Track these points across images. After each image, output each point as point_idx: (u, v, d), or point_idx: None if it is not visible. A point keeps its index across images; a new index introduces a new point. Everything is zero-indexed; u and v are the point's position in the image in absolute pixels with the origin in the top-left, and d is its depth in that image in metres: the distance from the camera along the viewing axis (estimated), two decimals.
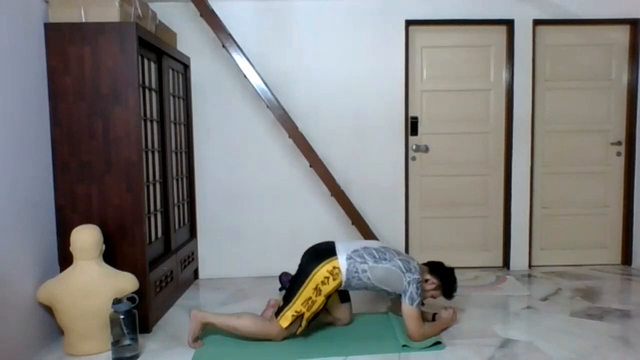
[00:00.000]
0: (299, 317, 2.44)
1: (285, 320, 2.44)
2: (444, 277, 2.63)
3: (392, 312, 2.89)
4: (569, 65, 3.87)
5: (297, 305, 2.43)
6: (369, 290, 2.62)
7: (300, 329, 2.48)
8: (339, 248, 2.51)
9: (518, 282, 3.56)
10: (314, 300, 2.43)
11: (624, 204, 3.96)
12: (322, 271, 2.43)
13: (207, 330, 2.69)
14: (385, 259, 2.49)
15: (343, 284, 2.46)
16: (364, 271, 2.45)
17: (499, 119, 3.88)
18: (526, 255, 3.89)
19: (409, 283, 2.46)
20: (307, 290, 2.43)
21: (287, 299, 2.47)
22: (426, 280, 2.61)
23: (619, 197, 3.97)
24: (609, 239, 4.00)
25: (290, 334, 2.51)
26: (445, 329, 2.64)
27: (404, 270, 2.48)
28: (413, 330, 2.45)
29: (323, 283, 2.43)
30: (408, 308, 2.45)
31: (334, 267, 2.44)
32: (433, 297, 2.66)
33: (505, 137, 3.87)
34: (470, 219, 3.94)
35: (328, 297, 2.49)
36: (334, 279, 2.43)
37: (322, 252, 2.51)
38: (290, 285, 2.52)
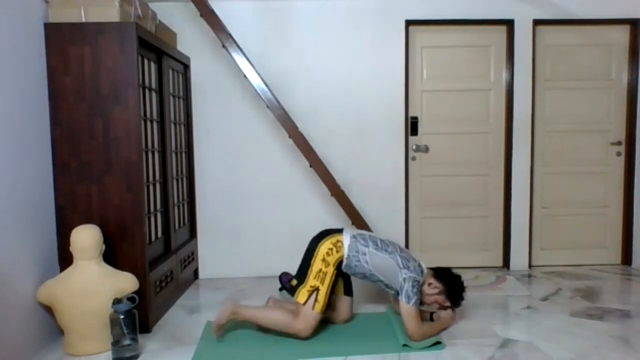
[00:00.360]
0: (314, 291, 2.46)
1: (302, 296, 2.48)
2: (448, 282, 2.62)
3: (392, 309, 2.89)
4: (569, 65, 3.87)
5: (311, 280, 2.49)
6: (368, 280, 2.64)
7: (318, 305, 2.46)
8: (346, 229, 2.64)
9: (518, 282, 3.56)
10: (325, 272, 2.49)
11: (624, 204, 3.96)
12: (326, 244, 2.55)
13: (207, 330, 2.70)
14: (387, 251, 2.56)
15: (345, 259, 2.53)
16: (364, 254, 2.53)
17: (499, 119, 3.88)
18: (526, 255, 3.89)
19: (404, 280, 2.48)
20: (316, 264, 2.51)
21: (301, 277, 2.52)
22: (429, 284, 2.61)
23: (619, 197, 3.97)
24: (609, 239, 4.00)
25: (314, 329, 2.50)
26: (444, 329, 2.64)
27: (401, 266, 2.51)
28: (412, 330, 2.46)
29: (328, 254, 2.52)
30: (405, 307, 2.47)
31: (338, 240, 2.56)
32: (437, 302, 2.64)
33: (505, 137, 3.87)
34: (470, 219, 3.94)
35: (337, 268, 2.53)
36: (337, 251, 2.53)
37: (329, 232, 2.63)
38: (301, 265, 2.58)
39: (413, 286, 2.48)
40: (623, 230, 3.98)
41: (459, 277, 2.67)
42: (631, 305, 3.06)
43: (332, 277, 2.51)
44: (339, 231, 2.62)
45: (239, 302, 2.65)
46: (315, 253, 2.53)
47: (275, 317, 2.50)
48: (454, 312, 2.68)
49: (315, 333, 2.56)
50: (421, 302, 2.61)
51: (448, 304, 2.64)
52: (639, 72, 3.81)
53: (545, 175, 3.94)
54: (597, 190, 3.97)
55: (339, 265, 2.55)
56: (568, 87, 3.89)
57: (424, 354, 2.38)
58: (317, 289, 2.47)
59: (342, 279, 2.72)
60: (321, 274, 2.49)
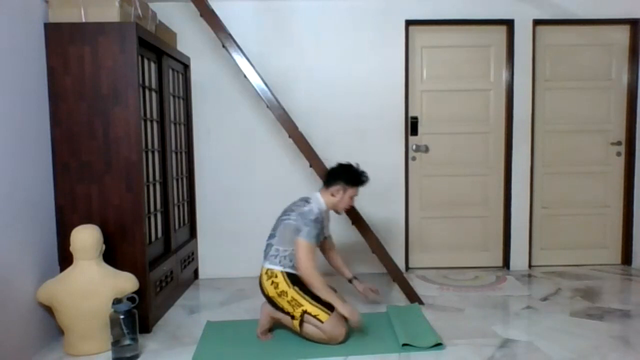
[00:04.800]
0: (303, 315, 2.44)
1: (296, 325, 2.46)
2: (340, 176, 2.64)
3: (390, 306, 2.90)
4: (569, 65, 3.87)
5: (295, 313, 2.46)
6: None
7: (321, 317, 2.42)
8: (262, 262, 2.61)
9: (518, 282, 3.56)
10: (292, 297, 2.46)
11: (624, 204, 3.96)
12: (266, 284, 2.53)
13: (207, 330, 2.70)
14: (277, 227, 2.59)
15: (284, 270, 2.51)
16: (277, 250, 2.54)
17: (499, 119, 3.88)
18: (526, 255, 3.89)
19: (295, 220, 2.51)
20: (282, 303, 2.49)
21: (290, 316, 2.50)
22: (332, 194, 2.63)
23: (619, 197, 3.97)
24: (609, 239, 4.00)
25: (344, 328, 2.47)
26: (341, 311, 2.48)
27: (287, 217, 2.55)
28: (299, 256, 2.45)
29: (276, 287, 2.49)
30: (297, 239, 2.48)
31: (266, 272, 2.54)
32: (352, 197, 2.67)
33: (505, 137, 3.87)
34: (470, 219, 3.94)
35: (297, 285, 2.50)
36: (276, 277, 2.51)
37: (259, 278, 2.61)
38: (279, 311, 2.56)
39: (302, 217, 2.50)
40: (623, 230, 3.98)
41: (343, 164, 2.70)
42: (631, 305, 3.06)
43: (299, 292, 2.47)
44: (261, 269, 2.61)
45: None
46: (273, 299, 2.51)
47: (310, 332, 2.47)
48: (357, 315, 2.49)
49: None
50: (338, 212, 2.70)
51: (356, 191, 2.67)
52: (639, 72, 3.81)
53: (545, 175, 3.94)
54: (597, 190, 3.97)
55: (292, 279, 2.50)
56: (568, 87, 3.88)
57: (424, 354, 2.38)
58: (304, 312, 2.44)
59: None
60: (293, 302, 2.46)
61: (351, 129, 3.74)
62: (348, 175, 2.65)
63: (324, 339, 2.45)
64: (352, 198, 2.69)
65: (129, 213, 2.63)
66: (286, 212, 2.62)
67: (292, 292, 2.47)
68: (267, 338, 2.58)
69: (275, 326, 2.65)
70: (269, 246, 2.59)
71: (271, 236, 2.61)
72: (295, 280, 2.51)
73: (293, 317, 2.46)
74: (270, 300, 2.55)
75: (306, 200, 2.62)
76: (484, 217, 3.95)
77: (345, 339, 2.49)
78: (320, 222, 2.57)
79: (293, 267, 2.53)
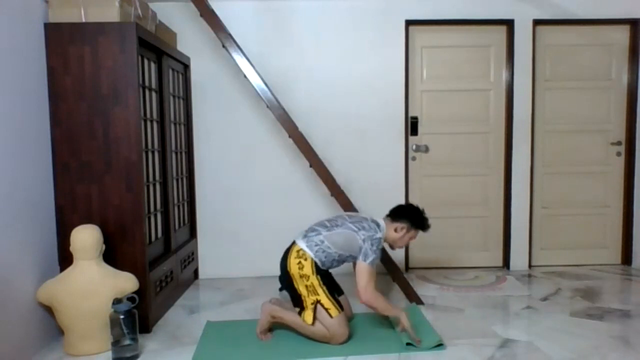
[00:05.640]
0: (316, 304, 2.44)
1: (309, 317, 2.46)
2: (408, 216, 2.66)
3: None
4: (569, 65, 3.87)
5: (307, 300, 2.46)
6: (342, 263, 2.61)
7: (331, 311, 2.44)
8: (296, 236, 2.62)
9: (518, 282, 3.56)
10: (311, 283, 2.47)
11: (624, 204, 3.96)
12: (292, 261, 2.51)
13: (207, 330, 2.70)
14: (337, 225, 2.56)
15: (315, 259, 2.49)
16: (322, 241, 2.51)
17: (499, 119, 3.88)
18: (526, 255, 3.89)
19: (363, 241, 2.49)
20: (300, 285, 2.49)
21: (299, 304, 2.51)
22: (395, 230, 2.64)
23: (619, 197, 3.97)
24: (609, 239, 4.00)
25: (348, 330, 2.49)
26: (395, 321, 2.56)
27: (356, 230, 2.52)
28: (362, 284, 2.44)
29: (301, 268, 2.48)
30: (361, 263, 2.48)
31: (298, 250, 2.52)
32: (411, 239, 2.70)
33: (505, 137, 3.87)
34: (470, 219, 3.94)
35: (319, 274, 2.50)
36: (305, 259, 2.49)
37: (285, 251, 2.60)
38: (290, 295, 2.57)
39: (372, 244, 2.49)
40: (623, 230, 3.98)
41: (412, 206, 2.73)
42: (631, 305, 3.06)
43: (320, 282, 2.48)
44: (293, 243, 2.59)
45: (272, 302, 2.66)
46: (291, 276, 2.50)
47: (313, 329, 2.47)
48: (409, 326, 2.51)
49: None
50: (392, 247, 2.72)
51: (417, 234, 2.71)
52: (639, 72, 3.82)
53: (545, 175, 3.94)
54: (597, 190, 3.97)
55: (317, 269, 2.50)
56: (568, 87, 3.89)
57: (424, 354, 2.38)
58: (317, 301, 2.45)
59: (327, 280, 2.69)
60: (310, 288, 2.47)
61: (351, 129, 3.74)
62: (416, 219, 2.68)
63: (327, 336, 2.45)
64: (410, 239, 2.71)
65: (129, 213, 2.63)
66: (355, 222, 2.57)
67: (314, 279, 2.47)
68: (267, 338, 2.58)
69: (275, 326, 2.65)
70: (315, 231, 2.56)
71: (324, 226, 2.58)
72: (318, 270, 2.51)
73: (303, 308, 2.47)
74: (288, 278, 2.53)
75: (378, 226, 2.60)
76: (484, 217, 3.95)
77: (346, 341, 2.49)
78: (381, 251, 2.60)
79: (323, 264, 2.52)
